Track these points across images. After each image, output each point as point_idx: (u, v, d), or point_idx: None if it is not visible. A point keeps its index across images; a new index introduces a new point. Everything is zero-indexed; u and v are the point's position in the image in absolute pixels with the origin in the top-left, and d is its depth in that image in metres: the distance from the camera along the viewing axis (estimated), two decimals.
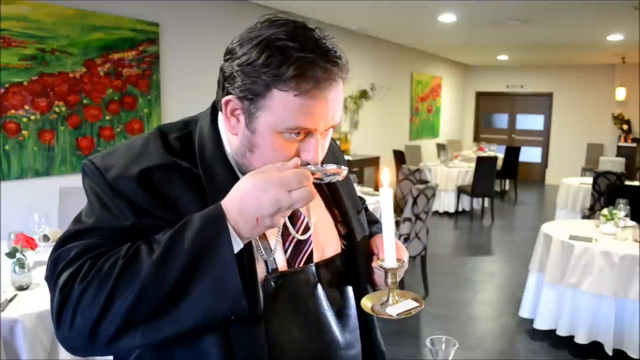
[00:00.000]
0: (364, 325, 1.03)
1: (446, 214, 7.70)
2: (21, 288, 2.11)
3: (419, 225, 4.05)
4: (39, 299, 2.02)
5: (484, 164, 7.19)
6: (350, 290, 1.01)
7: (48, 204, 3.37)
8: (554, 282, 3.44)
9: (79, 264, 0.78)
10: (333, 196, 1.04)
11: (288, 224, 0.93)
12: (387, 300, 0.89)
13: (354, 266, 1.01)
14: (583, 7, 5.45)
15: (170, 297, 0.76)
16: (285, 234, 0.93)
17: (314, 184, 0.81)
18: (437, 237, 6.32)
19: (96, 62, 3.92)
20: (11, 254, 2.12)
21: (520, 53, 9.69)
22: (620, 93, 10.34)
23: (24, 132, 3.52)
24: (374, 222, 1.19)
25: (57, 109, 3.69)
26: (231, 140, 0.90)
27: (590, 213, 5.39)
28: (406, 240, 3.91)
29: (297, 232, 0.94)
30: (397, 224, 3.94)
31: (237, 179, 0.84)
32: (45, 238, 2.67)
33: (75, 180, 3.62)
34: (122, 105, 4.14)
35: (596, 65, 10.73)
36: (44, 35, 3.57)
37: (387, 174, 0.87)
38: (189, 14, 4.74)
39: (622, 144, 10.12)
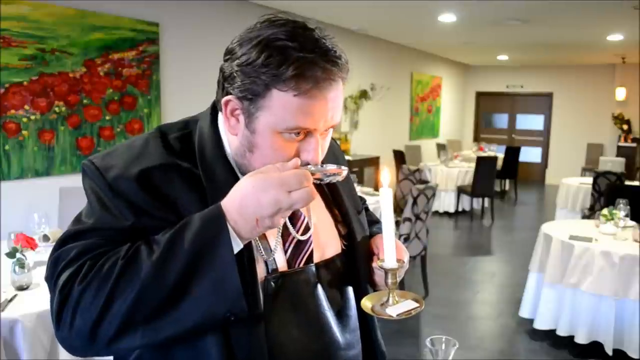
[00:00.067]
0: (364, 326, 1.03)
1: (446, 214, 7.70)
2: (21, 288, 2.11)
3: (419, 225, 4.05)
4: (39, 299, 2.01)
5: (484, 164, 7.19)
6: (350, 290, 1.01)
7: (48, 204, 3.37)
8: (554, 282, 3.44)
9: (78, 265, 0.78)
10: (333, 196, 1.04)
11: (288, 224, 0.93)
12: (387, 300, 0.89)
13: (354, 266, 1.01)
14: (583, 7, 5.45)
15: (170, 297, 0.76)
16: (285, 234, 0.93)
17: (314, 184, 0.81)
18: (437, 237, 6.32)
19: (96, 62, 3.92)
20: (11, 254, 2.12)
21: (520, 53, 9.69)
22: (620, 93, 10.34)
23: (24, 132, 3.52)
24: (374, 222, 1.19)
25: (57, 109, 3.69)
26: (231, 140, 0.90)
27: (590, 213, 5.39)
28: (406, 240, 3.91)
29: (297, 232, 0.94)
30: (397, 224, 3.94)
31: (237, 179, 0.84)
32: (45, 238, 2.67)
33: (75, 180, 3.62)
34: (122, 105, 4.14)
35: (596, 65, 10.73)
36: (44, 35, 3.57)
37: (387, 174, 0.87)
38: (189, 14, 4.74)
39: (622, 144, 10.12)
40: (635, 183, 6.40)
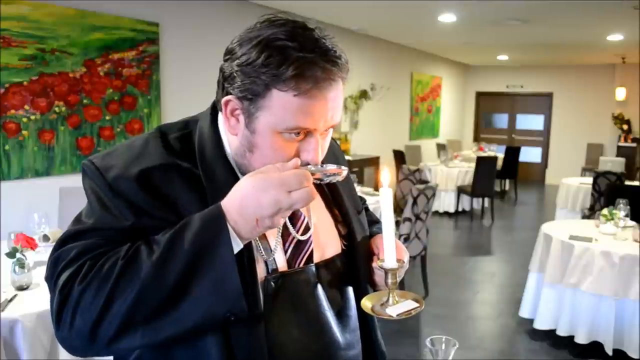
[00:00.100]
0: (364, 326, 1.03)
1: (446, 214, 7.70)
2: (21, 288, 2.11)
3: (419, 225, 4.05)
4: (39, 299, 2.01)
5: (484, 164, 7.19)
6: (350, 290, 1.01)
7: (48, 204, 3.37)
8: (554, 282, 3.44)
9: (78, 265, 0.78)
10: (333, 196, 1.04)
11: (288, 224, 0.93)
12: (387, 300, 0.89)
13: (354, 266, 1.01)
14: (583, 7, 5.45)
15: (170, 297, 0.75)
16: (285, 234, 0.93)
17: (314, 184, 0.80)
18: (437, 237, 6.32)
19: (96, 62, 3.92)
20: (11, 254, 2.12)
21: (520, 53, 9.69)
22: (620, 93, 10.34)
23: (24, 132, 3.52)
24: (374, 222, 1.19)
25: (57, 109, 3.69)
26: (231, 140, 0.90)
27: (590, 213, 5.39)
28: (406, 240, 3.91)
29: (297, 232, 0.94)
30: (397, 224, 3.94)
31: (237, 179, 0.84)
32: (45, 238, 2.67)
33: (75, 180, 3.62)
34: (122, 105, 4.14)
35: (596, 65, 10.73)
36: (44, 35, 3.57)
37: (387, 174, 0.87)
38: (189, 14, 4.74)
39: (622, 144, 10.12)
40: (635, 183, 6.40)
